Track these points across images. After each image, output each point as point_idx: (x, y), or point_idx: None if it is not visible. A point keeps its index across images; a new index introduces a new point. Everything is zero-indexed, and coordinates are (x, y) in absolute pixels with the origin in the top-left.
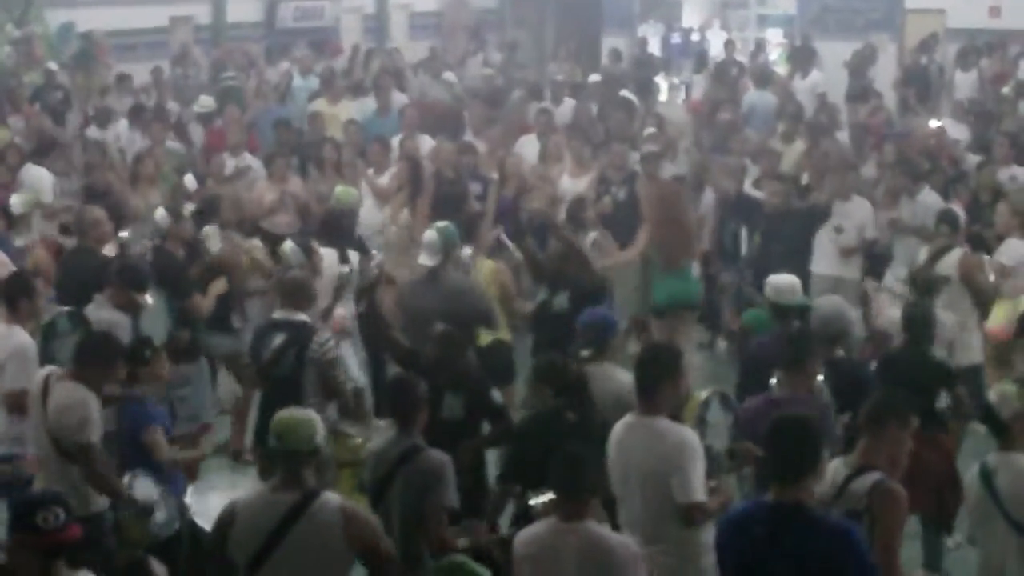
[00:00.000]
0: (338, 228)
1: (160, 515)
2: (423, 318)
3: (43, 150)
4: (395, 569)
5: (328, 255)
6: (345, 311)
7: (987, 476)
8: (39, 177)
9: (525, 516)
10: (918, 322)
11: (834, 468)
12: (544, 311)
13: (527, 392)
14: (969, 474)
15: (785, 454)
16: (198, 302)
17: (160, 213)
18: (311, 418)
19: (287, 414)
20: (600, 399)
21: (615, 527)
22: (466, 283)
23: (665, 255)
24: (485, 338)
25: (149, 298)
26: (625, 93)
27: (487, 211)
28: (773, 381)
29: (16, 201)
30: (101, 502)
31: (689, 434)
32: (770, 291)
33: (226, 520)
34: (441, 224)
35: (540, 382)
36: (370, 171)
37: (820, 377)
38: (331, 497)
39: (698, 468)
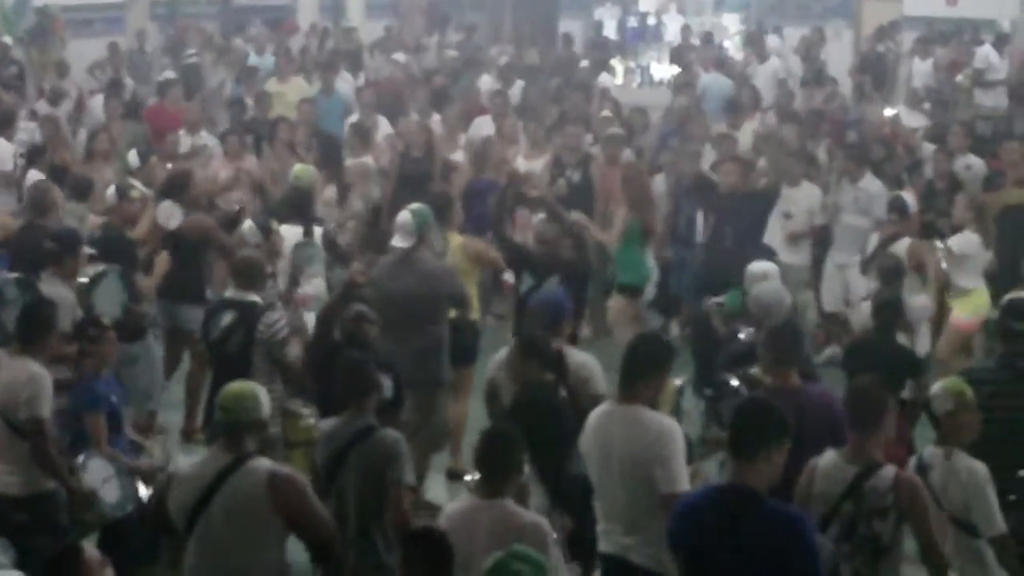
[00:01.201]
0: (301, 206)
1: (113, 496)
2: (396, 300)
3: (3, 121)
4: (330, 539)
5: (292, 233)
6: (313, 287)
7: (922, 471)
8: (3, 153)
9: None
10: (888, 309)
11: (833, 464)
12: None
13: (509, 368)
14: (908, 467)
15: (742, 434)
16: (143, 282)
17: (110, 191)
18: (255, 390)
19: (234, 386)
20: None
21: (587, 510)
22: (439, 265)
23: (645, 234)
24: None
25: (86, 251)
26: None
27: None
28: (735, 382)
29: None
30: (47, 482)
31: (671, 424)
32: (751, 279)
33: (165, 485)
34: (416, 205)
35: (527, 357)
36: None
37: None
38: (262, 462)
39: (681, 458)
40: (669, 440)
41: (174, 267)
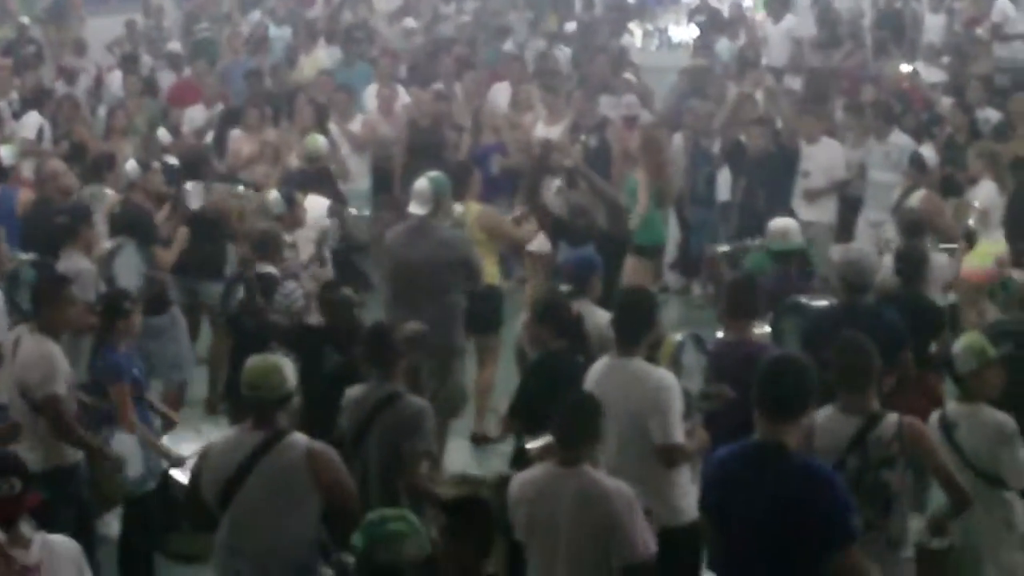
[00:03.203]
0: (325, 178)
1: (135, 470)
2: (410, 268)
3: (37, 97)
4: (356, 511)
5: (316, 204)
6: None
7: (948, 428)
8: (29, 121)
9: (522, 458)
10: (911, 262)
11: (833, 419)
12: None
13: (524, 332)
14: (928, 424)
15: (781, 394)
16: (161, 255)
17: (131, 164)
18: (279, 364)
19: (257, 362)
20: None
21: None
22: (454, 234)
23: (664, 196)
24: None
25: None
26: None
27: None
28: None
29: (5, 153)
30: (73, 455)
31: (668, 376)
32: (771, 236)
33: (200, 461)
34: (433, 173)
35: (540, 321)
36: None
37: (768, 327)
38: (299, 437)
39: (677, 410)
40: (666, 392)
41: (193, 244)
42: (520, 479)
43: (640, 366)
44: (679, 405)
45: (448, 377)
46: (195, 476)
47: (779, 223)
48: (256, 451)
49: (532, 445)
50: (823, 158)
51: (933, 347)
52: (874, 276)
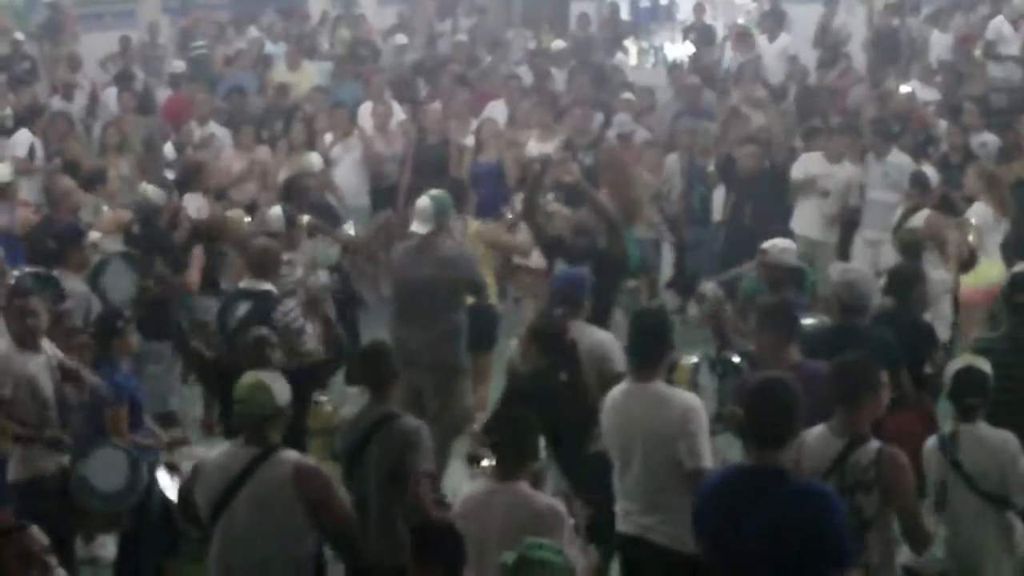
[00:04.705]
0: (299, 196)
1: (114, 485)
2: (413, 287)
3: (31, 116)
4: (348, 531)
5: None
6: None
7: (948, 449)
8: (20, 139)
9: None
10: (902, 282)
11: (821, 438)
12: None
13: (516, 350)
14: (927, 448)
15: (767, 418)
16: (191, 278)
17: (153, 190)
18: (267, 382)
19: (246, 379)
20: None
21: (604, 493)
22: (457, 251)
23: (627, 217)
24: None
25: (92, 235)
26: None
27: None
28: (736, 359)
29: (2, 171)
30: (45, 465)
31: (695, 400)
32: (777, 253)
33: (193, 475)
34: (435, 191)
35: (530, 340)
36: (328, 136)
37: None
38: (289, 454)
39: (706, 434)
40: (695, 416)
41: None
42: (462, 494)
43: (663, 389)
44: (707, 428)
45: (451, 397)
46: (187, 491)
47: (780, 243)
48: (247, 467)
49: (487, 463)
50: (843, 178)
51: (927, 367)
52: (871, 298)
